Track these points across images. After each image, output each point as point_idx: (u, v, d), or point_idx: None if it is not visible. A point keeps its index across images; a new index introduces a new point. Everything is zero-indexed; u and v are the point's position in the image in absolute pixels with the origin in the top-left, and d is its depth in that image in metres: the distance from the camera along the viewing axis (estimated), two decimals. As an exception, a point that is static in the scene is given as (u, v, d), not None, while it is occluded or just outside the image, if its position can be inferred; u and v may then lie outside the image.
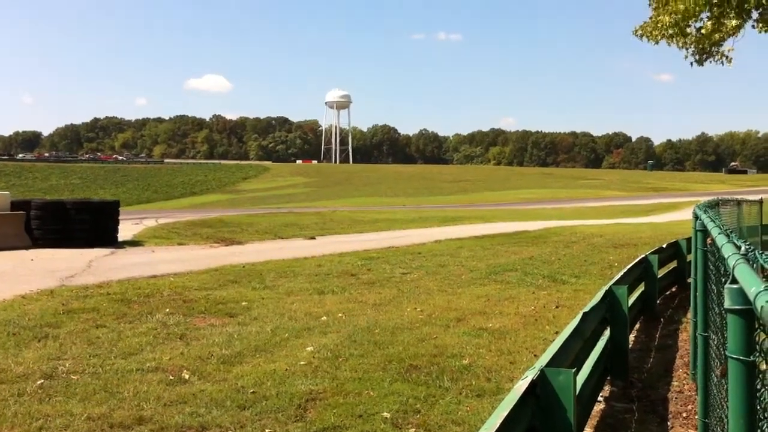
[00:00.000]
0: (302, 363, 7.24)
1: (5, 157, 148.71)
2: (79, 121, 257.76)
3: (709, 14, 12.25)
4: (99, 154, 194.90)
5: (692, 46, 12.86)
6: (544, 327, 9.33)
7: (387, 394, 6.33)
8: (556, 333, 7.63)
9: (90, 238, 17.98)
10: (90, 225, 18.28)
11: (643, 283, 10.76)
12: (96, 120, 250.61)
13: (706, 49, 12.85)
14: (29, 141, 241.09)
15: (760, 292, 1.90)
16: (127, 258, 16.21)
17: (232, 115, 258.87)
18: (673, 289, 13.49)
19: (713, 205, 8.96)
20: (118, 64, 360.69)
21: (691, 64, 13.22)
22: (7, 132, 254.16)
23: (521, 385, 3.30)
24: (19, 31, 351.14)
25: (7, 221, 17.81)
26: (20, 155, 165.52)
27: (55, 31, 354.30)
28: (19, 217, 18.05)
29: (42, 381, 6.45)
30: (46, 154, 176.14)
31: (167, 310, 9.91)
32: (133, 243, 19.49)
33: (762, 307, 1.81)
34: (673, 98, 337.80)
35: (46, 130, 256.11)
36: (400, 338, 8.46)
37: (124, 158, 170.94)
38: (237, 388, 6.41)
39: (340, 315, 9.84)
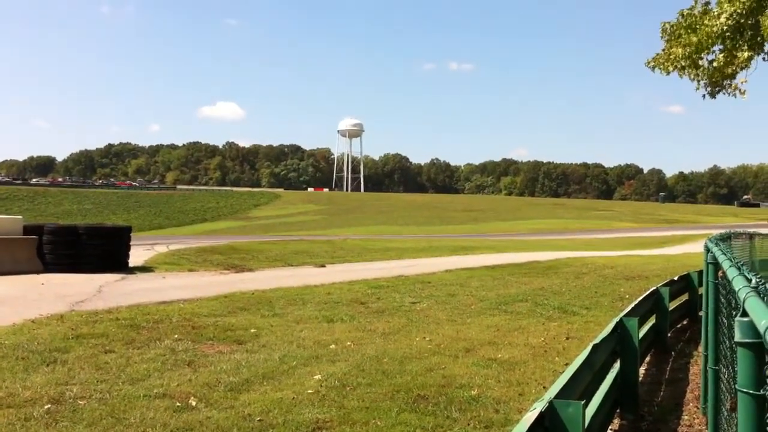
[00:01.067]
0: (310, 391, 7.21)
1: (19, 182, 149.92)
2: (93, 146, 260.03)
3: (721, 47, 12.29)
4: (112, 179, 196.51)
5: (704, 79, 12.87)
6: (554, 358, 9.26)
7: (394, 424, 6.28)
8: (566, 365, 7.56)
9: (101, 264, 18.01)
10: (102, 250, 18.32)
11: (654, 316, 10.68)
12: (110, 146, 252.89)
13: (718, 82, 12.86)
14: (43, 166, 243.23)
15: (770, 325, 1.88)
16: (138, 284, 16.24)
17: (244, 143, 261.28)
18: (684, 322, 13.39)
19: (725, 238, 8.93)
20: (132, 91, 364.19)
21: (704, 96, 13.24)
22: (21, 157, 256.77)
23: (530, 417, 3.26)
24: (34, 58, 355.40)
25: (19, 246, 17.89)
26: (34, 180, 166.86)
27: (70, 57, 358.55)
28: (32, 242, 18.12)
29: (49, 406, 6.44)
30: (60, 179, 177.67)
31: (176, 336, 9.90)
32: (144, 269, 19.54)
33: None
34: (685, 130, 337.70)
35: (60, 156, 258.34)
36: (409, 368, 8.41)
37: (137, 184, 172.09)
38: (244, 415, 6.38)
39: (348, 343, 9.80)
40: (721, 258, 5.12)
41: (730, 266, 3.94)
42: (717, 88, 13.17)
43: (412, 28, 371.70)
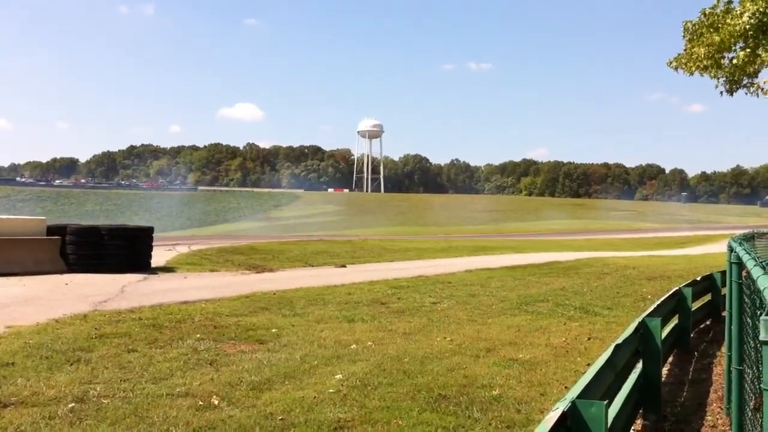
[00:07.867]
0: (331, 391, 7.22)
1: (42, 183, 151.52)
2: (115, 148, 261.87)
3: (743, 45, 12.19)
4: (134, 180, 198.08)
5: (723, 77, 12.79)
6: (576, 359, 9.23)
7: (416, 423, 6.28)
8: (588, 365, 7.54)
9: (124, 264, 18.17)
10: (124, 251, 18.47)
11: (676, 316, 10.61)
12: (132, 147, 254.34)
13: (739, 81, 12.76)
14: (66, 167, 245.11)
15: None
16: (160, 284, 16.35)
17: (264, 144, 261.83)
18: (708, 323, 13.28)
19: (749, 238, 8.85)
20: (152, 92, 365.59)
21: (721, 93, 13.15)
22: (44, 158, 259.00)
23: (552, 417, 3.25)
24: (54, 59, 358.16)
25: (43, 246, 18.08)
26: (57, 181, 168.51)
27: (89, 58, 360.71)
28: (55, 242, 18.30)
29: (73, 404, 6.50)
30: (83, 181, 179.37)
31: (198, 335, 9.96)
32: (166, 269, 19.66)
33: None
34: (708, 130, 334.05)
35: (83, 157, 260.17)
36: (430, 368, 8.41)
37: (158, 185, 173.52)
38: (266, 414, 6.41)
39: (369, 343, 9.81)
40: (745, 257, 5.08)
41: (755, 265, 3.92)
42: (736, 86, 13.07)
43: (431, 28, 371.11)
